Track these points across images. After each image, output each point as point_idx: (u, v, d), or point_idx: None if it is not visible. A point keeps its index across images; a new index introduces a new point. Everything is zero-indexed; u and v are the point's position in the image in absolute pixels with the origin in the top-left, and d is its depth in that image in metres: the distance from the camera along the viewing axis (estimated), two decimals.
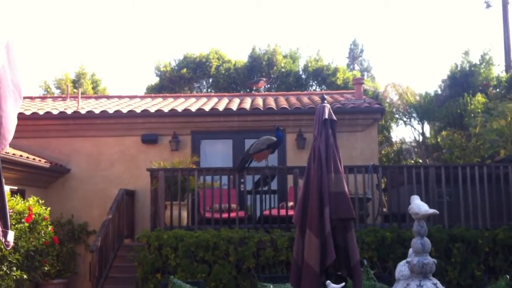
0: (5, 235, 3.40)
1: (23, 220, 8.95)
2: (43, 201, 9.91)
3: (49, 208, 10.00)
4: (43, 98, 15.82)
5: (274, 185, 10.34)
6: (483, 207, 9.10)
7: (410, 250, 5.55)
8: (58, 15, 41.96)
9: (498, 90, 16.21)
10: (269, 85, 23.56)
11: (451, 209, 9.22)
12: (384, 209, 10.04)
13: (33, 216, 9.26)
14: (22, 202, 9.25)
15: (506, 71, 18.42)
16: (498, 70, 18.65)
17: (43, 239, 9.55)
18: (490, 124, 10.85)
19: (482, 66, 17.78)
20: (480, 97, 15.36)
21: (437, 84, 19.11)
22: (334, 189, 6.08)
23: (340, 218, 6.03)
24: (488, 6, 20.32)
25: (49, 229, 9.84)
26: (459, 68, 17.85)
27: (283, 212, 9.37)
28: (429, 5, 45.56)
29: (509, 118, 10.72)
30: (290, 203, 9.51)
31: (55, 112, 12.45)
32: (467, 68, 17.69)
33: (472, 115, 14.16)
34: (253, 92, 17.08)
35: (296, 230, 6.26)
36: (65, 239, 11.41)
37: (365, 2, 46.63)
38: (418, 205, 5.46)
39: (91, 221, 11.76)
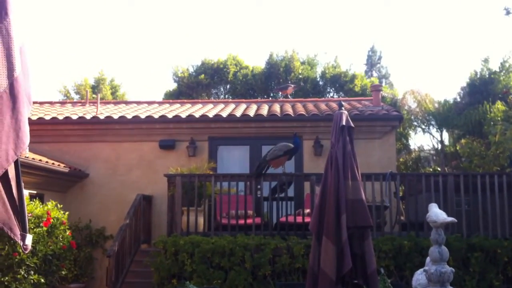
0: (23, 238, 3.43)
1: (41, 224, 9.02)
2: (61, 206, 9.98)
3: (67, 213, 10.08)
4: (62, 103, 16.00)
5: (291, 192, 10.31)
6: (502, 216, 8.98)
7: (428, 259, 5.51)
8: (79, 20, 42.46)
9: None
10: None
11: (470, 218, 9.11)
12: (402, 217, 9.96)
13: (52, 220, 9.33)
14: (41, 206, 9.33)
15: None
16: None
17: (61, 244, 9.62)
18: (510, 133, 10.72)
19: (502, 73, 17.59)
20: (500, 105, 15.17)
21: (456, 91, 18.98)
22: (351, 196, 6.05)
23: (357, 226, 6.01)
24: (508, 13, 20.05)
25: (67, 233, 9.91)
26: (478, 76, 17.68)
27: (299, 219, 9.34)
28: (448, 12, 45.28)
29: None
30: (307, 210, 9.48)
31: (74, 117, 12.57)
32: (487, 76, 17.52)
33: (492, 123, 13.99)
34: (270, 98, 17.09)
35: (312, 237, 6.23)
36: (83, 244, 11.49)
37: (383, 9, 46.47)
38: (436, 213, 5.43)
39: (109, 226, 11.83)
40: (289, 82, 23.28)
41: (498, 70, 17.65)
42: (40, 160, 10.65)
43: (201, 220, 9.53)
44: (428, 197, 8.93)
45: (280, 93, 16.96)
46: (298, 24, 46.28)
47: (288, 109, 13.31)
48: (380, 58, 34.75)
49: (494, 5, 38.97)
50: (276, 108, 13.58)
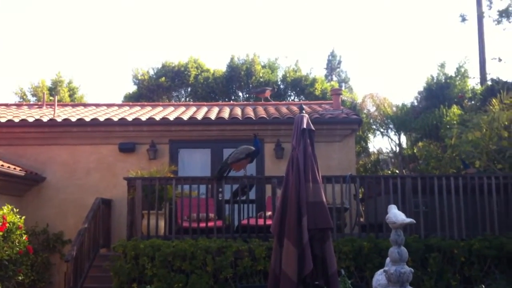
0: None
1: None
2: (17, 210, 9.74)
3: (23, 217, 9.83)
4: (18, 105, 15.64)
5: (252, 194, 10.32)
6: (459, 217, 9.20)
7: (387, 259, 5.60)
8: (36, 21, 41.57)
9: (473, 102, 16.50)
10: (247, 95, 23.58)
11: (427, 219, 9.30)
12: (362, 219, 10.10)
13: (7, 224, 9.10)
14: None
15: (481, 83, 18.75)
16: (473, 82, 18.99)
17: (18, 248, 9.37)
18: (466, 136, 10.99)
19: (458, 78, 18.08)
20: (455, 109, 15.59)
21: (414, 95, 19.36)
22: (312, 198, 6.10)
23: (318, 228, 6.05)
24: (464, 19, 20.67)
25: (24, 238, 9.66)
26: (435, 80, 18.12)
27: (261, 221, 9.35)
28: (406, 18, 46.21)
29: (484, 130, 10.88)
30: (268, 213, 9.50)
31: (31, 119, 12.30)
32: (443, 80, 17.97)
33: (448, 126, 14.36)
34: (231, 101, 17.03)
35: (274, 239, 6.25)
36: (40, 249, 11.23)
37: (343, 14, 47.13)
38: (395, 214, 5.53)
39: (67, 230, 11.61)
40: (251, 85, 23.34)
41: (454, 75, 18.12)
42: None
43: (162, 223, 9.43)
44: (387, 199, 9.07)
45: (260, 96, 16.90)
46: (259, 28, 46.49)
47: (250, 112, 13.33)
48: (340, 62, 35.21)
49: (451, 12, 39.98)
50: (238, 111, 13.58)
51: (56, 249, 11.60)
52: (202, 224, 9.29)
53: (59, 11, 40.78)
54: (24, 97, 23.64)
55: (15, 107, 15.01)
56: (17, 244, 9.41)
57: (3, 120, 12.19)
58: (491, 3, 19.26)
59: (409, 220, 5.48)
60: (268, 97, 16.25)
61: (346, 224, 9.57)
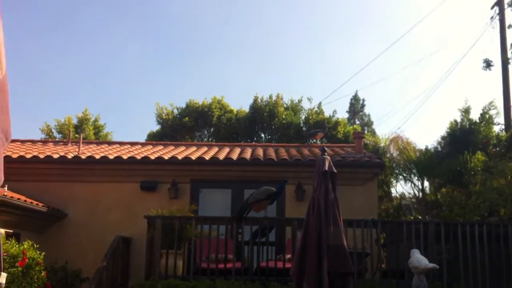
0: None
1: (16, 264, 8.80)
2: (38, 246, 9.77)
3: (43, 253, 9.85)
4: (44, 142, 15.90)
5: (272, 236, 10.24)
6: (483, 266, 8.98)
7: None
8: (64, 57, 42.54)
9: (498, 148, 16.27)
10: (270, 136, 23.69)
11: (451, 267, 9.09)
12: (383, 265, 9.90)
13: (27, 260, 9.10)
14: (17, 245, 9.12)
15: (506, 130, 18.52)
16: (498, 128, 18.77)
17: (36, 285, 9.34)
18: (490, 183, 10.85)
19: (482, 124, 17.89)
20: (480, 155, 15.39)
21: (437, 140, 19.17)
22: (332, 242, 6.03)
23: (338, 272, 5.96)
24: (489, 65, 20.59)
25: (42, 274, 9.64)
26: (459, 126, 17.97)
27: (280, 264, 9.24)
28: (429, 61, 46.29)
29: (509, 177, 10.72)
30: (288, 255, 9.39)
31: (55, 156, 12.47)
32: (467, 126, 17.80)
33: (472, 173, 14.16)
34: (254, 142, 17.08)
35: (293, 283, 6.16)
36: (58, 286, 11.18)
37: (367, 57, 47.45)
38: (418, 259, 5.44)
39: (86, 268, 11.56)
40: (273, 127, 23.47)
41: (478, 120, 17.96)
42: (18, 198, 10.48)
43: (180, 263, 9.38)
44: (409, 245, 8.90)
45: (312, 139, 17.01)
46: (283, 70, 46.93)
47: (271, 153, 13.35)
48: (363, 106, 35.33)
49: (475, 57, 40.00)
50: (260, 152, 13.61)
51: (74, 287, 11.54)
52: (221, 265, 9.21)
53: (85, 50, 41.73)
54: (50, 134, 24.09)
55: (40, 143, 15.26)
56: (36, 280, 9.39)
57: (29, 156, 12.38)
58: None
59: (432, 265, 5.39)
60: (319, 139, 16.22)
61: (367, 270, 9.41)
